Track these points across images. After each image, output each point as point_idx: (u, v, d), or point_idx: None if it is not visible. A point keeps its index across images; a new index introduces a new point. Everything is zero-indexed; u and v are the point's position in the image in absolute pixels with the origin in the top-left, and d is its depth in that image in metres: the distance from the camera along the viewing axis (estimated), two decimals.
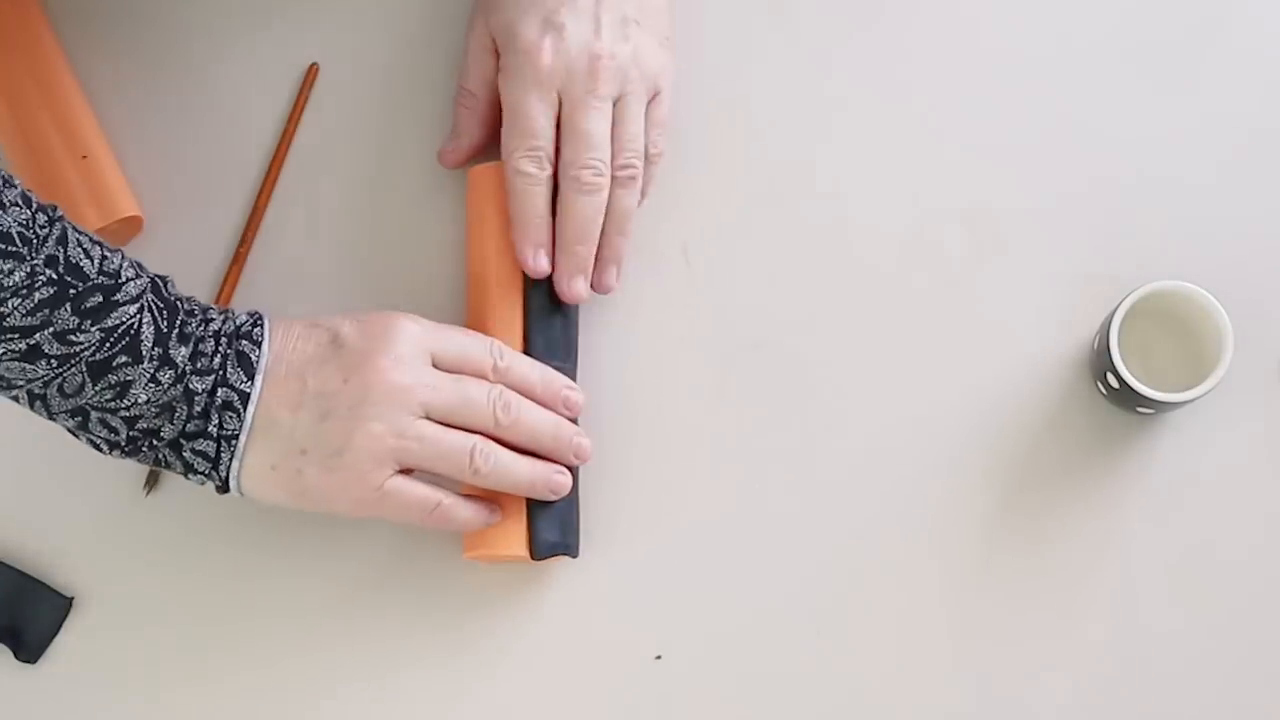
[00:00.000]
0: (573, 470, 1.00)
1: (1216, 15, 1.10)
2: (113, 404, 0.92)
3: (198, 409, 0.93)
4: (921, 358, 1.06)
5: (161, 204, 1.08)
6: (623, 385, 1.05)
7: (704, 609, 1.04)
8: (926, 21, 1.10)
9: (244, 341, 0.95)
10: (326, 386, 0.95)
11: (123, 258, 0.93)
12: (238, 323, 0.96)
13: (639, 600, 1.04)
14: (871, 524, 1.04)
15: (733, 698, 1.03)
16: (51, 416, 0.94)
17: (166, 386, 0.92)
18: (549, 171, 1.01)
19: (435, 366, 0.97)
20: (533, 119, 1.00)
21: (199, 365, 0.93)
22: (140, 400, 0.92)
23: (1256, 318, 1.04)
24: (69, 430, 0.95)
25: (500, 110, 1.03)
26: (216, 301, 1.06)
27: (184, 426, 0.94)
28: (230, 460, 0.95)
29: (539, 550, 1.00)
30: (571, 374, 1.02)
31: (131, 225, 1.06)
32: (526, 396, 0.99)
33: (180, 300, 0.95)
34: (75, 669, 1.03)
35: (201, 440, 0.94)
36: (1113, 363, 0.99)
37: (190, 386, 0.93)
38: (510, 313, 1.02)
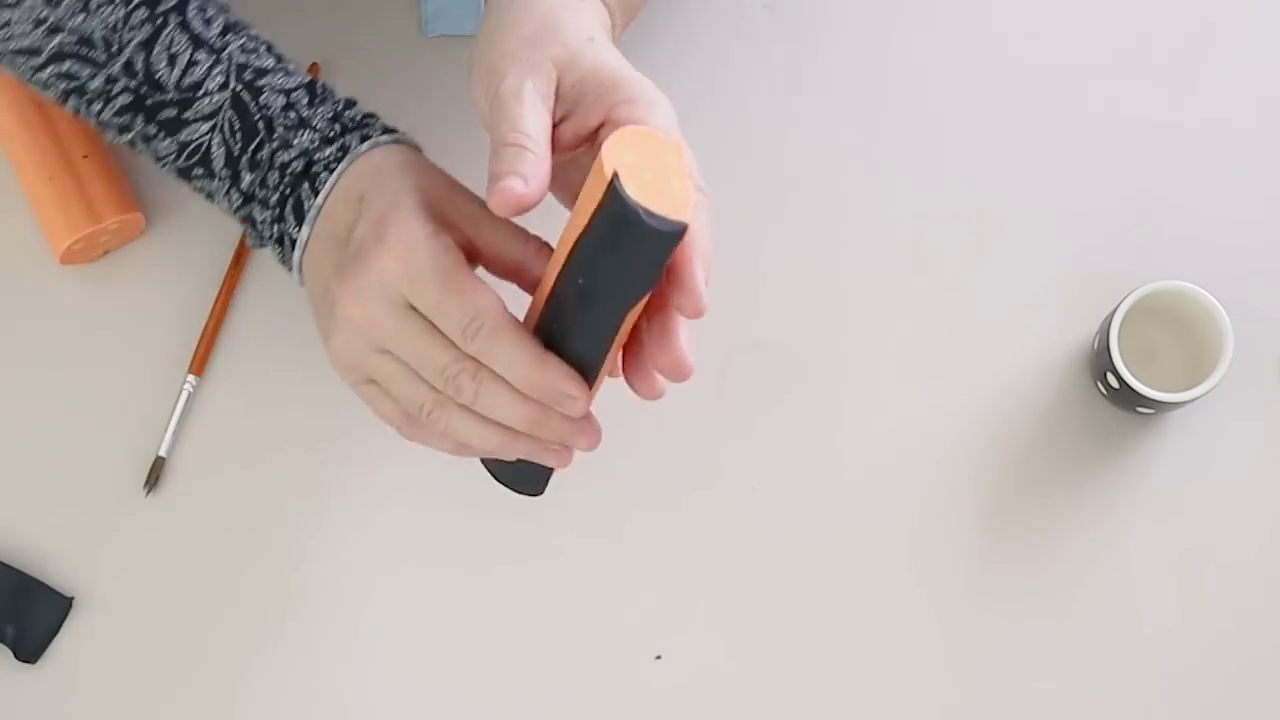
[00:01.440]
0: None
1: (1217, 17, 1.10)
2: (207, 199, 0.95)
3: (265, 236, 0.94)
4: (921, 357, 1.06)
5: (161, 204, 1.08)
6: (623, 384, 1.05)
7: (704, 609, 1.04)
8: (928, 25, 1.10)
9: (305, 185, 0.92)
10: (324, 273, 0.90)
11: (216, 63, 0.92)
12: (313, 157, 0.91)
13: (639, 600, 1.04)
14: (871, 523, 1.04)
15: (733, 698, 1.03)
16: None
17: (237, 206, 0.93)
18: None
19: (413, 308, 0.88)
20: None
21: (263, 196, 0.93)
22: (223, 206, 0.94)
23: (1256, 318, 1.04)
24: None
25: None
26: (217, 301, 1.06)
27: (258, 234, 0.94)
28: (288, 267, 0.93)
29: (492, 471, 0.95)
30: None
31: (131, 225, 1.06)
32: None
33: (269, 115, 0.92)
34: (75, 669, 1.03)
35: (273, 246, 0.94)
36: (1113, 363, 0.99)
37: (254, 216, 0.93)
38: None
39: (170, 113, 0.92)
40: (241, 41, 0.93)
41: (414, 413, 0.89)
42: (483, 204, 0.89)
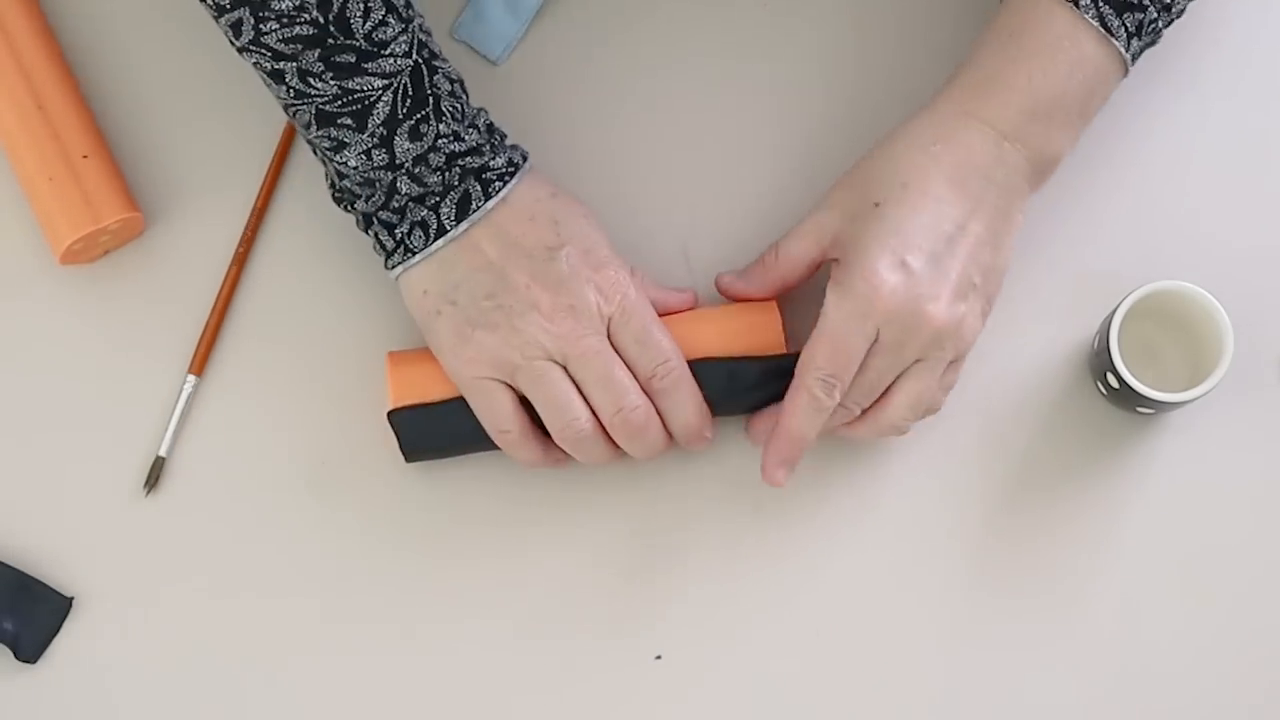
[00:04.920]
0: None
1: (1218, 14, 1.09)
2: (329, 153, 0.97)
3: (395, 205, 0.97)
4: None
5: (161, 204, 1.08)
6: None
7: (704, 609, 1.04)
8: (929, 24, 1.10)
9: (476, 184, 0.97)
10: (512, 277, 0.97)
11: (404, 31, 0.95)
12: (486, 161, 0.97)
13: (639, 600, 1.04)
14: (871, 523, 1.04)
15: (733, 698, 1.03)
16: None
17: (376, 166, 0.96)
18: (836, 402, 0.97)
19: (609, 334, 0.98)
20: (850, 351, 0.97)
21: (417, 172, 0.96)
22: (349, 165, 0.96)
23: (1256, 318, 1.04)
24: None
25: (792, 284, 1.01)
26: (217, 301, 1.06)
27: (376, 211, 0.98)
28: (397, 266, 0.99)
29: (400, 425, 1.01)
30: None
31: (131, 225, 1.06)
32: (662, 418, 0.99)
33: (440, 100, 0.96)
34: (75, 669, 1.03)
35: (385, 232, 0.98)
36: (1113, 363, 0.99)
37: (397, 184, 0.96)
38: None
39: (348, 58, 0.94)
40: (420, 20, 0.97)
41: (562, 422, 0.97)
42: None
